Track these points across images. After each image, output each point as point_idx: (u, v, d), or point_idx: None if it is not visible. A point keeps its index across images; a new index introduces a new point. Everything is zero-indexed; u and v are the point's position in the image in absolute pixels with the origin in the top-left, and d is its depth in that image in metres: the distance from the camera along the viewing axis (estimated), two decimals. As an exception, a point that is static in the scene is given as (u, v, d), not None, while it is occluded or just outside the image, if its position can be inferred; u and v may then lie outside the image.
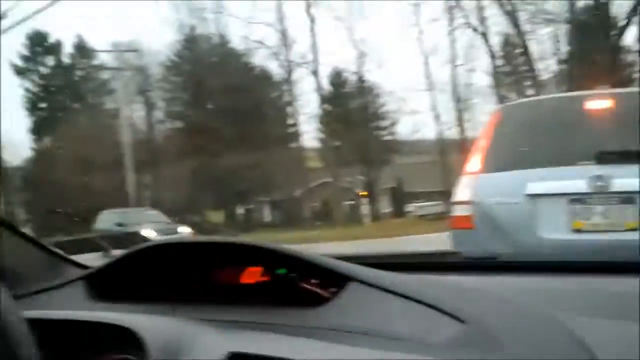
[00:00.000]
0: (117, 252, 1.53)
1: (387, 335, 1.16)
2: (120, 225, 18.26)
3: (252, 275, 1.48)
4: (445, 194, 20.10)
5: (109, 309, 1.40)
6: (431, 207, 19.73)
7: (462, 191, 4.00)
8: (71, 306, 1.44)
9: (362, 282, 1.29)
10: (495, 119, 4.21)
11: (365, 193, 21.27)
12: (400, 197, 21.82)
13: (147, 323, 1.19)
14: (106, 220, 18.90)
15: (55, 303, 1.49)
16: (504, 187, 3.86)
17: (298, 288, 1.41)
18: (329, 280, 1.38)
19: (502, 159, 3.97)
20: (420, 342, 1.11)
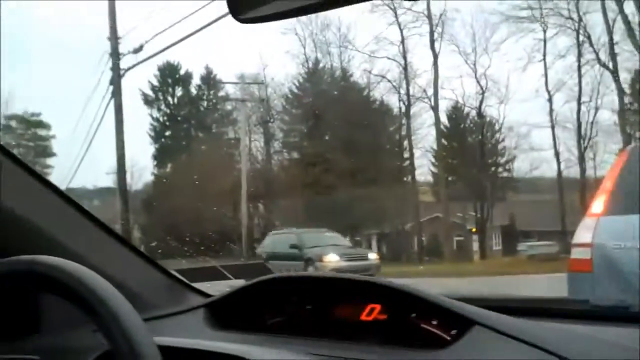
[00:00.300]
0: (239, 282, 1.55)
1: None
2: (294, 247, 17.45)
3: (371, 312, 1.46)
4: (559, 235, 19.45)
5: (227, 339, 1.41)
6: (543, 247, 19.07)
7: (583, 233, 3.84)
8: (192, 334, 1.46)
9: (486, 326, 1.25)
10: (622, 160, 4.04)
11: (475, 230, 20.85)
12: (511, 235, 21.25)
13: (262, 355, 1.20)
14: (277, 242, 17.85)
15: (177, 330, 1.52)
16: (627, 231, 3.64)
17: (417, 328, 1.39)
18: (450, 322, 1.35)
19: (627, 201, 3.77)
20: None
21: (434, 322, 1.37)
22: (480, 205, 21.87)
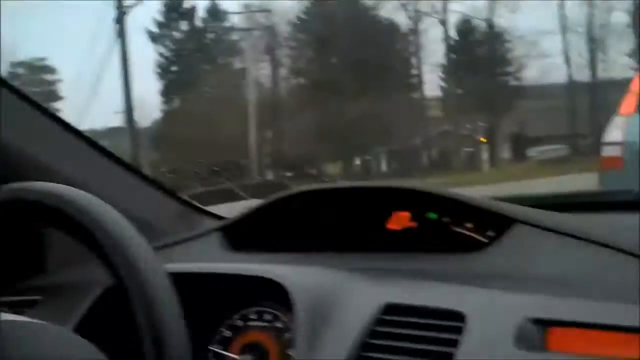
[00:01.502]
0: (256, 201, 1.44)
1: (564, 280, 1.01)
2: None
3: (399, 220, 1.35)
4: (569, 138, 19.33)
5: (247, 261, 1.31)
6: (553, 150, 18.90)
7: (613, 131, 3.92)
8: (207, 258, 1.37)
9: (527, 223, 1.14)
10: None
11: (485, 139, 20.73)
12: (521, 142, 21.11)
13: (292, 274, 1.09)
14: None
15: (190, 255, 1.43)
16: None
17: (451, 233, 1.28)
18: (487, 224, 1.24)
19: None
20: (595, 284, 0.95)
21: (469, 225, 1.26)
22: (489, 116, 21.66)
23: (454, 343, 0.89)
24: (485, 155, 20.33)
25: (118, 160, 1.54)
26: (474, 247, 1.21)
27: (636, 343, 0.80)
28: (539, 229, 1.13)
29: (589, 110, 19.05)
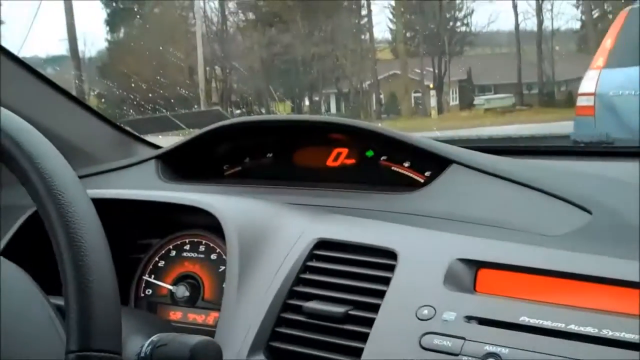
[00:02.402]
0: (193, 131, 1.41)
1: (497, 223, 1.02)
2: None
3: (337, 157, 1.35)
4: (515, 87, 19.52)
5: (182, 190, 1.29)
6: (499, 99, 19.12)
7: (587, 83, 4.40)
8: (142, 186, 1.34)
9: (465, 165, 1.15)
10: (622, 20, 4.51)
11: (433, 86, 20.83)
12: (469, 90, 21.29)
13: (225, 204, 1.08)
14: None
15: (126, 183, 1.40)
16: (623, 81, 4.17)
17: (389, 171, 1.28)
18: (423, 164, 1.24)
19: (625, 56, 4.29)
20: (540, 232, 0.97)
21: (406, 164, 1.27)
22: (438, 61, 21.69)
23: (385, 280, 0.90)
24: (432, 101, 20.38)
25: (55, 86, 1.48)
26: (412, 186, 1.22)
27: (562, 288, 0.82)
28: (475, 170, 1.13)
29: (536, 60, 19.22)
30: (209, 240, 1.15)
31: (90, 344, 0.59)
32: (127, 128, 1.61)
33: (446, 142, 1.26)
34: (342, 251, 0.98)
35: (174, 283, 1.14)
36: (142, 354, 0.81)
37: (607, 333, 0.74)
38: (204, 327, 1.09)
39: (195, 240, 1.16)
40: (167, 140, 1.60)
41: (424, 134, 1.35)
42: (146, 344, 0.82)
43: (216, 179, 1.41)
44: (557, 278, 0.83)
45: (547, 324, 0.77)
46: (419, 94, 21.19)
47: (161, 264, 1.17)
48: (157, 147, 1.58)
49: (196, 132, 1.41)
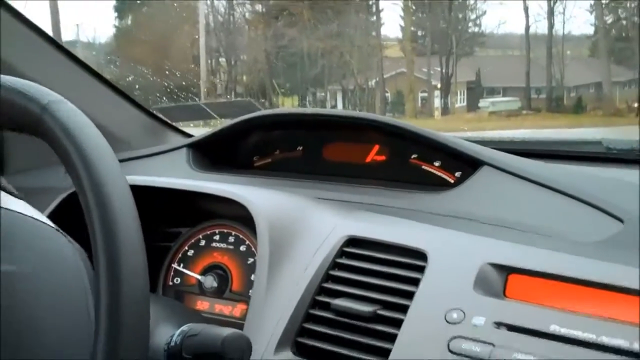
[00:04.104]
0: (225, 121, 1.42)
1: (528, 228, 1.02)
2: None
3: (367, 153, 1.35)
4: (523, 90, 19.32)
5: (212, 180, 1.30)
6: (505, 103, 18.84)
7: None
8: (173, 174, 1.35)
9: (496, 167, 1.14)
10: None
11: (440, 86, 20.62)
12: (477, 91, 21.06)
13: (256, 196, 1.09)
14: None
15: (157, 170, 1.41)
16: None
17: (420, 170, 1.28)
18: (455, 164, 1.24)
19: None
20: (571, 239, 0.96)
21: (437, 164, 1.27)
22: (446, 61, 21.42)
23: (415, 281, 0.90)
24: (436, 101, 20.12)
25: (91, 71, 1.50)
26: (441, 186, 1.22)
27: (593, 298, 0.82)
28: (506, 173, 1.13)
29: (546, 64, 18.98)
30: (239, 232, 1.16)
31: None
32: (160, 115, 1.62)
33: (478, 143, 1.26)
34: (372, 249, 0.98)
35: (202, 273, 1.15)
36: (172, 343, 0.82)
37: (637, 347, 0.74)
38: (231, 319, 1.10)
39: (225, 230, 1.17)
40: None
41: (456, 134, 1.34)
42: (176, 334, 0.83)
43: (246, 170, 1.41)
44: (589, 287, 0.82)
45: (578, 334, 0.77)
46: (425, 94, 20.95)
47: (190, 253, 1.18)
48: (188, 135, 1.59)
49: (228, 122, 1.41)
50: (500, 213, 1.08)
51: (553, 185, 1.07)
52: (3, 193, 0.71)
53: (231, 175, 1.36)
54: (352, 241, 1.01)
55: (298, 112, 1.42)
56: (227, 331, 0.80)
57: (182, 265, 1.18)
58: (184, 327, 0.83)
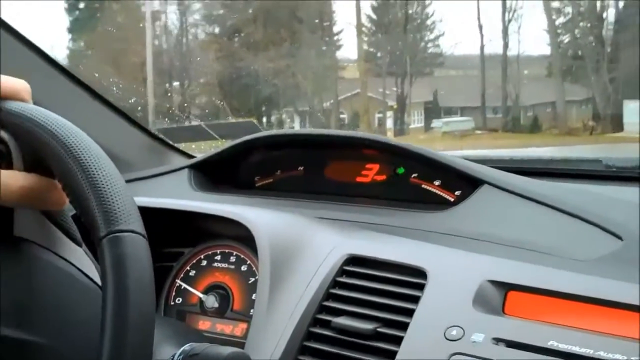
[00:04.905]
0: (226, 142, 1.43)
1: (528, 246, 1.02)
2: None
3: (367, 172, 1.36)
4: (480, 110, 19.27)
5: (213, 200, 1.31)
6: (457, 123, 18.71)
7: None
8: (175, 195, 1.36)
9: (496, 186, 1.15)
10: None
11: (395, 106, 20.51)
12: (433, 112, 20.97)
13: (257, 216, 1.10)
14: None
15: (158, 191, 1.42)
16: None
17: (420, 189, 1.29)
18: (455, 183, 1.25)
19: None
20: (570, 256, 0.97)
21: (437, 183, 1.28)
22: (401, 82, 21.31)
23: (415, 299, 0.91)
24: (389, 122, 19.96)
25: (90, 90, 1.51)
26: (441, 205, 1.22)
27: (592, 314, 0.82)
28: (506, 192, 1.14)
29: (501, 83, 18.97)
30: (240, 252, 1.16)
31: (119, 226, 0.60)
32: (161, 136, 1.63)
33: (477, 162, 1.27)
34: (373, 268, 0.99)
35: (204, 292, 1.16)
36: None
37: (635, 361, 0.74)
38: (232, 338, 1.10)
39: (227, 250, 1.18)
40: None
41: (455, 152, 1.35)
42: (178, 353, 0.83)
43: (247, 190, 1.42)
44: (587, 304, 0.83)
45: (576, 349, 0.77)
46: (381, 115, 20.78)
47: (192, 273, 1.19)
48: (190, 156, 1.60)
49: (229, 143, 1.42)
50: (499, 231, 1.08)
51: (552, 203, 1.08)
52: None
53: (233, 195, 1.37)
54: (353, 260, 1.02)
55: (299, 133, 1.43)
56: (228, 350, 0.81)
57: (184, 284, 1.18)
58: (186, 347, 0.84)
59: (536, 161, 1.37)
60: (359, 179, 1.36)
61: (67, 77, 1.46)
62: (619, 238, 0.98)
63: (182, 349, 0.83)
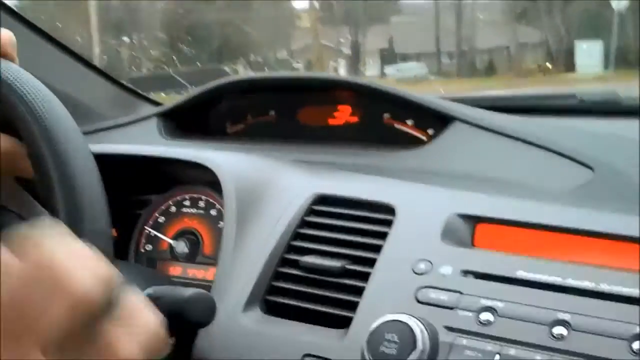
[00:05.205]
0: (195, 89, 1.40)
1: (499, 180, 1.01)
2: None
3: (340, 115, 1.33)
4: (433, 56, 19.15)
5: (182, 147, 1.29)
6: (411, 69, 18.64)
7: None
8: (143, 143, 1.33)
9: (467, 122, 1.13)
10: None
11: (351, 54, 20.30)
12: (389, 59, 20.82)
13: (223, 160, 1.07)
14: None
15: (127, 140, 1.39)
16: None
17: (391, 129, 1.27)
18: (428, 122, 1.23)
19: None
20: (541, 189, 0.95)
21: (410, 122, 1.25)
22: (355, 30, 21.07)
23: (382, 235, 0.89)
24: (341, 70, 19.78)
25: (55, 41, 1.46)
26: (415, 144, 1.21)
27: (559, 243, 0.81)
28: (478, 127, 1.12)
29: (454, 29, 18.82)
30: (209, 196, 1.14)
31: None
32: (129, 85, 1.59)
33: (449, 99, 1.25)
34: (341, 207, 0.97)
35: (174, 238, 1.14)
36: None
37: (605, 287, 0.73)
38: (204, 283, 1.08)
39: (195, 196, 1.16)
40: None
41: (430, 94, 1.33)
42: None
43: (218, 137, 1.40)
44: (556, 233, 0.82)
45: (545, 278, 0.76)
46: (336, 64, 20.51)
47: (161, 219, 1.17)
48: (157, 103, 1.57)
49: (197, 89, 1.39)
50: (471, 167, 1.07)
51: (523, 137, 1.07)
52: None
53: (203, 142, 1.34)
54: (321, 199, 1.00)
55: (267, 77, 1.41)
56: (190, 291, 0.79)
57: (154, 231, 1.16)
58: (149, 290, 0.82)
59: (510, 98, 1.36)
60: (331, 122, 1.34)
61: (28, 27, 1.42)
62: (591, 169, 0.97)
63: (144, 292, 0.82)
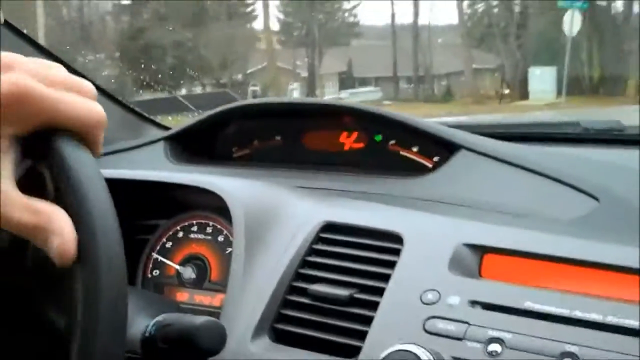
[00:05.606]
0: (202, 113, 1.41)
1: (505, 209, 1.02)
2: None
3: (346, 140, 1.34)
4: (391, 80, 19.20)
5: (190, 171, 1.30)
6: (365, 93, 18.66)
7: None
8: (150, 168, 1.34)
9: (473, 150, 1.14)
10: None
11: (307, 76, 20.34)
12: (348, 82, 20.91)
13: (232, 186, 1.08)
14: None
15: (134, 164, 1.40)
16: None
17: (398, 156, 1.28)
18: (433, 149, 1.24)
19: None
20: (548, 218, 0.96)
21: (415, 149, 1.27)
22: (312, 52, 21.12)
23: (391, 264, 0.90)
24: (295, 94, 19.74)
25: (63, 64, 1.48)
26: (420, 171, 1.22)
27: (567, 274, 0.82)
28: (484, 156, 1.13)
29: (412, 54, 18.86)
30: (217, 222, 1.15)
31: None
32: (136, 108, 1.60)
33: (455, 127, 1.26)
34: (349, 234, 0.98)
35: (181, 264, 1.14)
36: (147, 334, 0.82)
37: (611, 320, 0.74)
38: (211, 309, 1.09)
39: (203, 221, 1.16)
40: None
41: (434, 119, 1.34)
42: (151, 324, 0.82)
43: (225, 162, 1.41)
44: (563, 264, 0.83)
45: (552, 309, 0.77)
46: (293, 87, 20.48)
47: (168, 244, 1.18)
48: (166, 128, 1.58)
49: (204, 114, 1.41)
50: (476, 196, 1.08)
51: (528, 166, 1.08)
52: None
53: (209, 167, 1.35)
54: (329, 227, 1.00)
55: (274, 102, 1.41)
56: (200, 319, 0.80)
57: (161, 256, 1.17)
58: (159, 317, 0.83)
59: (515, 126, 1.37)
60: (337, 148, 1.35)
61: (34, 47, 1.43)
62: (595, 199, 0.98)
63: (155, 319, 0.82)
